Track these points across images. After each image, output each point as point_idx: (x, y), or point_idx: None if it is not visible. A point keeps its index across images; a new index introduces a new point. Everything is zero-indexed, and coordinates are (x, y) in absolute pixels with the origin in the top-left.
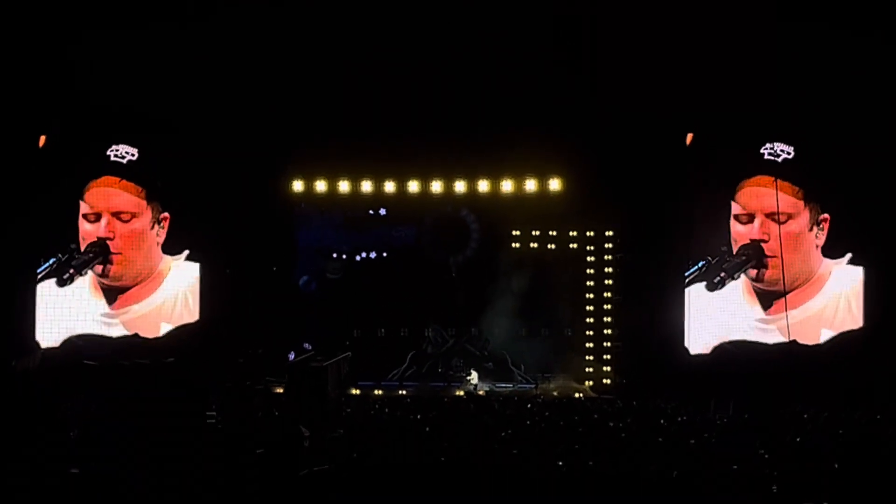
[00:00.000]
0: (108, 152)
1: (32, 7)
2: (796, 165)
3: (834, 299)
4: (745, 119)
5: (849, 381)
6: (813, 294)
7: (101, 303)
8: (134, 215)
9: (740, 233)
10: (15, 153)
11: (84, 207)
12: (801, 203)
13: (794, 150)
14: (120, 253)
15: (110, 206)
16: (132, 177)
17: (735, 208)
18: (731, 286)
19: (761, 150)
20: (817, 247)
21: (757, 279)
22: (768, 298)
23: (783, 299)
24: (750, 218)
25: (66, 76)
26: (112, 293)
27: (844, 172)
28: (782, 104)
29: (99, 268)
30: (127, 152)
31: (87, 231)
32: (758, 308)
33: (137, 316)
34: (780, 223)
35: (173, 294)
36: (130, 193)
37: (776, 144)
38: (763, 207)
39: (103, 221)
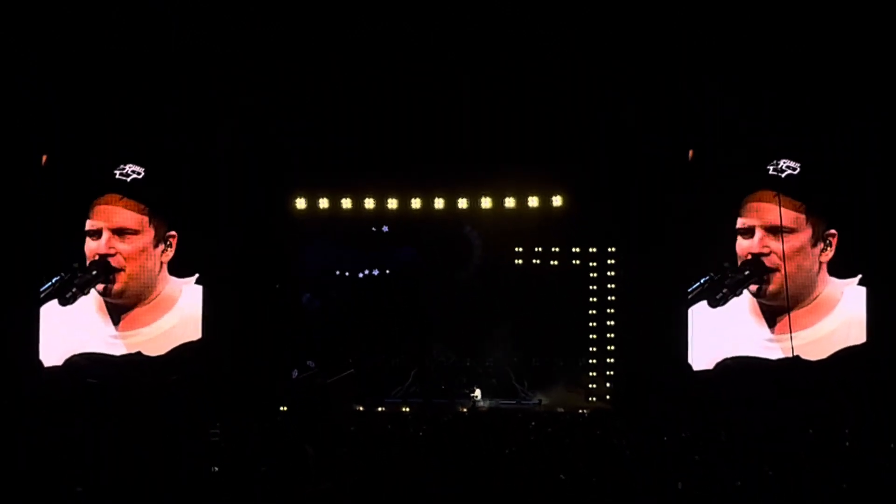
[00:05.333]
0: (115, 171)
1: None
2: (800, 181)
3: (847, 321)
4: (752, 135)
5: (852, 397)
6: (824, 315)
7: (108, 324)
8: (135, 232)
9: (742, 247)
10: (18, 172)
11: (88, 225)
12: (803, 217)
13: (800, 167)
14: (122, 270)
15: (111, 223)
16: (134, 194)
17: (739, 223)
18: (737, 304)
19: (767, 167)
20: (822, 263)
21: (759, 294)
22: (772, 316)
23: (787, 318)
24: (750, 232)
25: (72, 93)
26: (116, 312)
27: (853, 189)
28: (788, 120)
29: (101, 286)
30: (133, 171)
31: (90, 248)
32: (765, 327)
33: (147, 339)
34: (782, 236)
35: (184, 317)
36: (132, 210)
37: (782, 161)
38: (763, 221)
39: (104, 238)
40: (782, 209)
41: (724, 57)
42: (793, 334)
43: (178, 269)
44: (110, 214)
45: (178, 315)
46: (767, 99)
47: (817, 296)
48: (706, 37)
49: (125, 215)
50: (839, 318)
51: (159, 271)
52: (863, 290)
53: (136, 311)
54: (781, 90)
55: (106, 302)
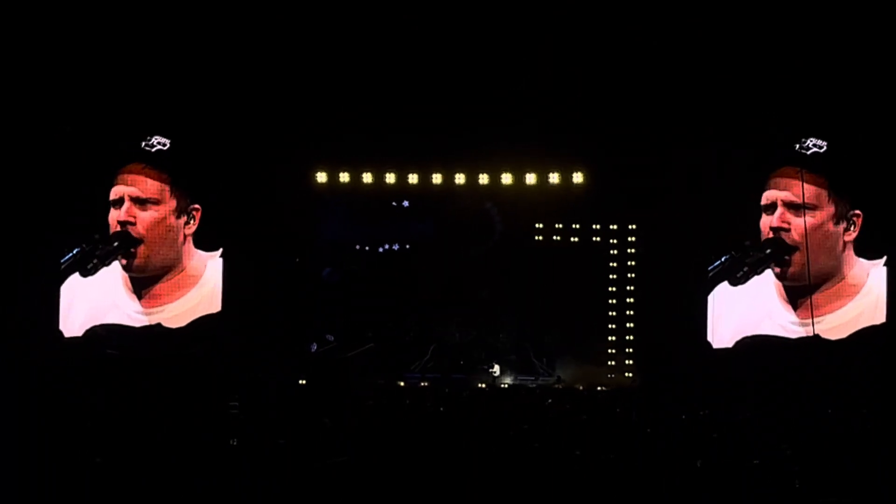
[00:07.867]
0: (141, 142)
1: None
2: (825, 158)
3: (872, 303)
4: (776, 114)
5: (871, 376)
6: (849, 298)
7: (133, 300)
8: (156, 202)
9: (764, 223)
10: (41, 141)
11: (112, 194)
12: (825, 194)
13: (826, 145)
14: (142, 241)
15: (131, 191)
16: (157, 164)
17: (763, 199)
18: (758, 282)
19: (793, 145)
20: (846, 243)
21: (781, 276)
22: (795, 298)
23: (811, 299)
24: (772, 208)
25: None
26: (139, 287)
27: (881, 169)
28: (815, 99)
29: (124, 261)
30: (158, 142)
31: (112, 217)
32: (789, 311)
33: (172, 315)
34: (804, 211)
35: (208, 292)
36: (152, 179)
37: (809, 140)
38: (783, 197)
39: (124, 206)
40: (804, 185)
41: (750, 32)
42: (817, 318)
43: (205, 243)
44: (131, 183)
45: (202, 290)
46: (793, 76)
47: (843, 278)
48: (732, 10)
49: (146, 184)
50: (864, 300)
51: (183, 244)
52: (885, 269)
53: (160, 285)
54: (808, 67)
55: (130, 277)
